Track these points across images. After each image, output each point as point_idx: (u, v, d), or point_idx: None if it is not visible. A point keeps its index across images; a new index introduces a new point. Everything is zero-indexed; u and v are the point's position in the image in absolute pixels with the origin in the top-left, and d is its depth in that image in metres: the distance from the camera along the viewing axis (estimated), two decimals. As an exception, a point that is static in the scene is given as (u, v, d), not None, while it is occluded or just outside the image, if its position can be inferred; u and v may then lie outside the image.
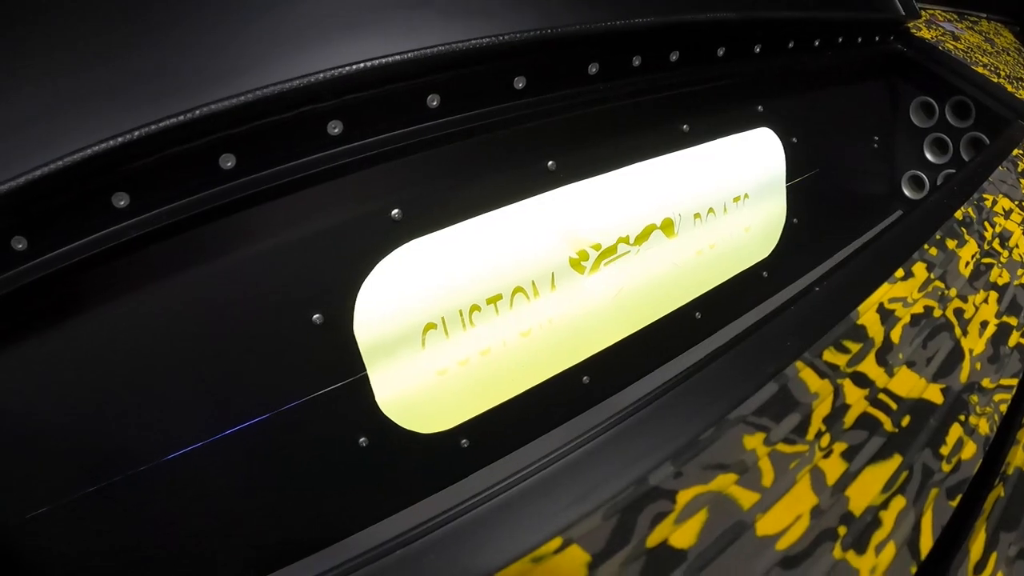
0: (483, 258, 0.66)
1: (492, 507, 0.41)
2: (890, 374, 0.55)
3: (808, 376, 0.52)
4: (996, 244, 0.79)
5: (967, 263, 0.74)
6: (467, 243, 0.65)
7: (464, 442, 0.70)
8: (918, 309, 0.64)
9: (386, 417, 0.64)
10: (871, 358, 0.56)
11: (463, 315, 0.67)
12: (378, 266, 0.61)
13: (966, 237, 0.78)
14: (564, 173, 0.69)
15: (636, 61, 0.71)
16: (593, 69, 0.67)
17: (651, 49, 0.72)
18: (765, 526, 0.40)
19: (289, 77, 0.49)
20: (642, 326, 0.81)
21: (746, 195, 0.91)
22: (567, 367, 0.75)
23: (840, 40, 1.05)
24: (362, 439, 0.63)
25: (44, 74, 0.44)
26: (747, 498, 0.41)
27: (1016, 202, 0.89)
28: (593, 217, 0.73)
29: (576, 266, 0.73)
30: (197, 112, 0.45)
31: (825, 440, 0.47)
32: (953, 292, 0.68)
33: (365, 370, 0.62)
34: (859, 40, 1.10)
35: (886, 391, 0.53)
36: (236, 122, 0.49)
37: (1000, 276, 0.74)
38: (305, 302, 0.58)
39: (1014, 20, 1.79)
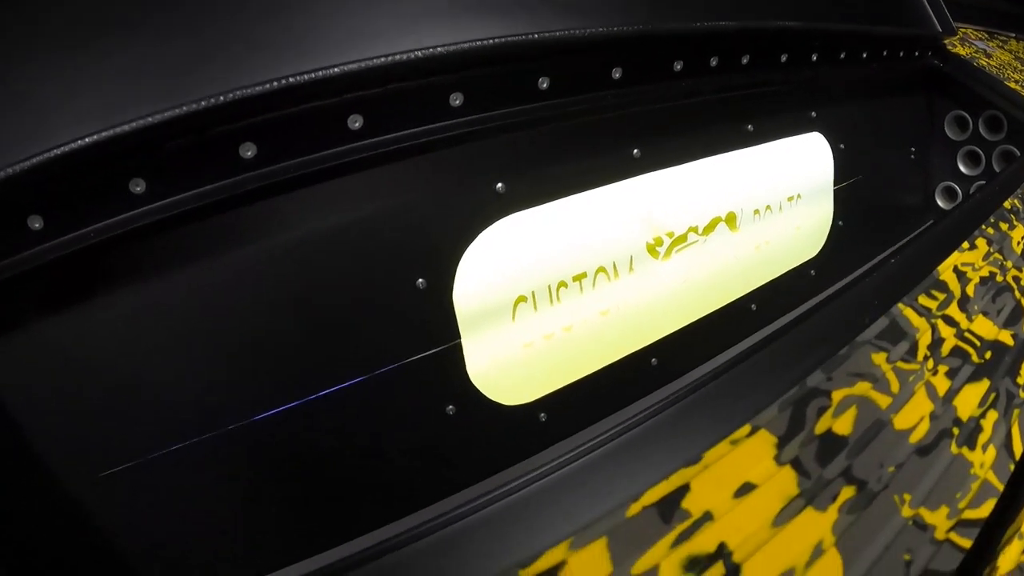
0: (573, 237, 0.71)
1: (578, 466, 0.48)
2: (970, 319, 0.69)
3: (910, 314, 0.66)
4: None
5: (1019, 243, 0.86)
6: (560, 221, 0.70)
7: (543, 416, 0.74)
8: (984, 273, 0.76)
9: (474, 387, 0.68)
10: (954, 306, 0.69)
11: (551, 290, 0.72)
12: (480, 236, 0.65)
13: (1015, 223, 0.89)
14: (647, 161, 0.75)
15: (713, 62, 0.77)
16: (678, 66, 0.73)
17: (727, 51, 0.78)
18: (899, 422, 0.53)
19: (417, 47, 0.53)
20: (704, 314, 0.86)
21: (799, 195, 0.97)
22: (638, 348, 0.80)
23: (884, 53, 1.11)
24: (450, 407, 0.66)
25: (76, 52, 0.45)
26: (883, 400, 0.55)
27: None
28: (669, 206, 0.78)
29: (652, 251, 0.78)
30: (335, 70, 0.50)
31: (931, 363, 0.61)
32: (1010, 264, 0.81)
33: (460, 338, 0.66)
34: (900, 54, 1.16)
35: (969, 331, 0.67)
36: (366, 85, 0.53)
37: None
38: (411, 266, 0.62)
39: (1042, 41, 1.86)
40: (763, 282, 0.93)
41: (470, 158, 0.64)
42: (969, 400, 0.58)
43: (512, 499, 0.46)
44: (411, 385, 0.64)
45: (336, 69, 0.50)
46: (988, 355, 0.65)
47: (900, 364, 0.59)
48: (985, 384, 0.61)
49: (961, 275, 0.74)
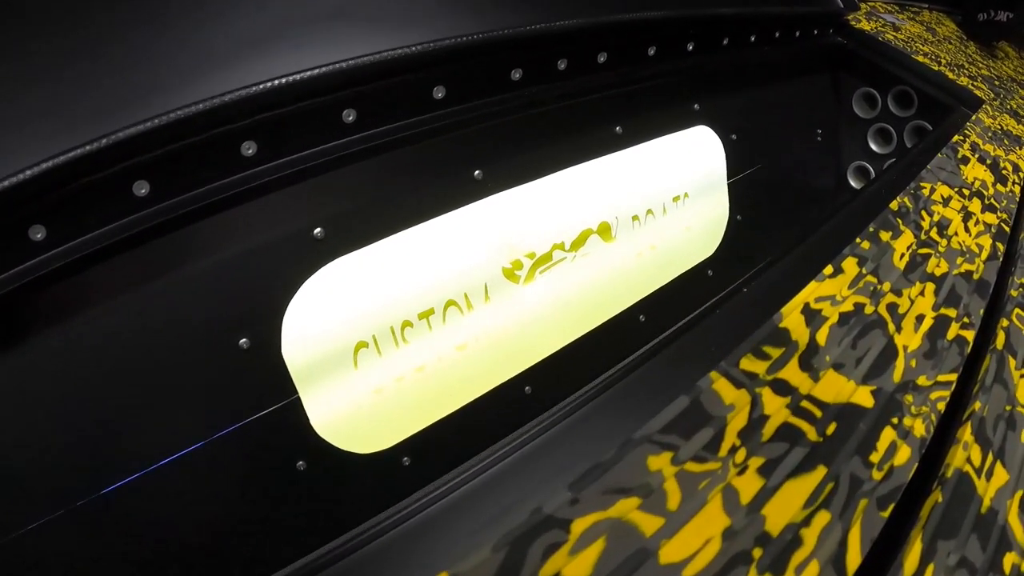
0: (412, 273, 0.66)
1: (374, 549, 0.40)
2: (815, 379, 0.53)
3: (723, 387, 0.49)
4: (934, 233, 0.78)
5: (902, 255, 0.72)
6: (394, 259, 0.65)
7: (406, 460, 0.70)
8: (847, 307, 0.62)
9: (323, 439, 0.64)
10: (794, 363, 0.54)
11: (395, 332, 0.67)
12: (302, 287, 0.60)
13: (901, 228, 0.77)
14: (492, 182, 0.69)
15: (561, 65, 0.72)
16: (516, 75, 0.67)
17: (576, 52, 0.73)
18: (670, 553, 0.38)
19: (200, 98, 0.48)
20: (584, 332, 0.81)
21: (686, 194, 0.92)
22: (508, 378, 0.75)
23: (777, 35, 1.07)
24: (300, 463, 0.63)
25: None
26: (650, 523, 0.40)
27: (955, 189, 0.90)
28: (525, 225, 0.73)
29: (510, 276, 0.73)
30: (105, 140, 0.44)
31: (740, 455, 0.45)
32: (886, 286, 0.67)
33: (297, 393, 0.61)
34: (797, 34, 1.12)
35: (810, 397, 0.51)
36: (148, 147, 0.48)
37: (938, 266, 0.73)
38: (230, 327, 0.58)
39: (955, 9, 1.84)
40: (651, 290, 0.88)
41: (277, 208, 0.58)
42: (787, 503, 0.42)
43: (374, 546, 0.42)
44: (255, 446, 0.60)
45: (105, 140, 0.45)
46: (832, 428, 0.48)
47: (690, 466, 0.43)
48: (818, 474, 0.45)
49: (813, 316, 0.59)
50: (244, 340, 0.58)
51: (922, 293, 0.67)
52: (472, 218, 0.68)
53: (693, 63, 0.91)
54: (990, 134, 1.10)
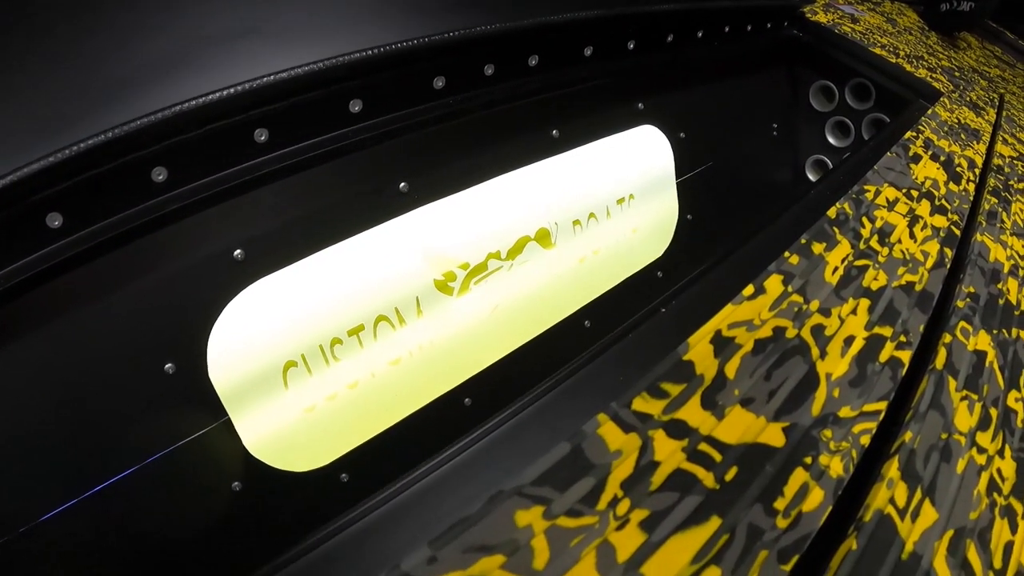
0: (338, 290, 0.66)
1: (310, 563, 0.40)
2: (719, 417, 0.48)
3: (609, 431, 0.45)
4: (874, 242, 0.74)
5: (835, 268, 0.67)
6: (318, 277, 0.64)
7: (344, 476, 0.70)
8: (765, 332, 0.56)
9: (257, 459, 0.64)
10: (695, 401, 0.49)
11: (324, 350, 0.66)
12: (225, 309, 0.60)
13: (838, 237, 0.72)
14: (419, 194, 0.69)
15: (488, 70, 0.71)
16: (439, 83, 0.66)
17: (504, 56, 0.72)
18: None
19: (101, 129, 0.47)
20: (525, 341, 0.81)
21: (631, 196, 0.92)
22: (446, 391, 0.75)
23: (727, 30, 1.05)
24: (235, 484, 0.63)
25: None
26: None
27: (903, 190, 0.87)
28: (457, 236, 0.72)
29: (443, 288, 0.72)
30: (11, 177, 0.43)
31: (622, 508, 0.41)
32: (814, 305, 0.61)
33: (227, 415, 0.61)
34: (749, 28, 1.11)
35: (710, 439, 0.46)
36: (58, 179, 0.47)
37: (875, 279, 0.68)
38: (155, 353, 0.57)
39: (917, 0, 1.83)
40: (596, 295, 0.88)
41: (194, 231, 0.58)
42: (672, 560, 0.38)
43: (311, 560, 0.42)
44: (188, 469, 0.60)
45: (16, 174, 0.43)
46: (731, 474, 0.43)
47: (562, 521, 0.39)
48: (711, 526, 0.40)
49: (724, 345, 0.53)
50: (170, 365, 0.58)
51: (854, 311, 0.62)
52: (399, 232, 0.68)
53: (635, 62, 0.90)
54: (946, 128, 1.09)
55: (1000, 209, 0.93)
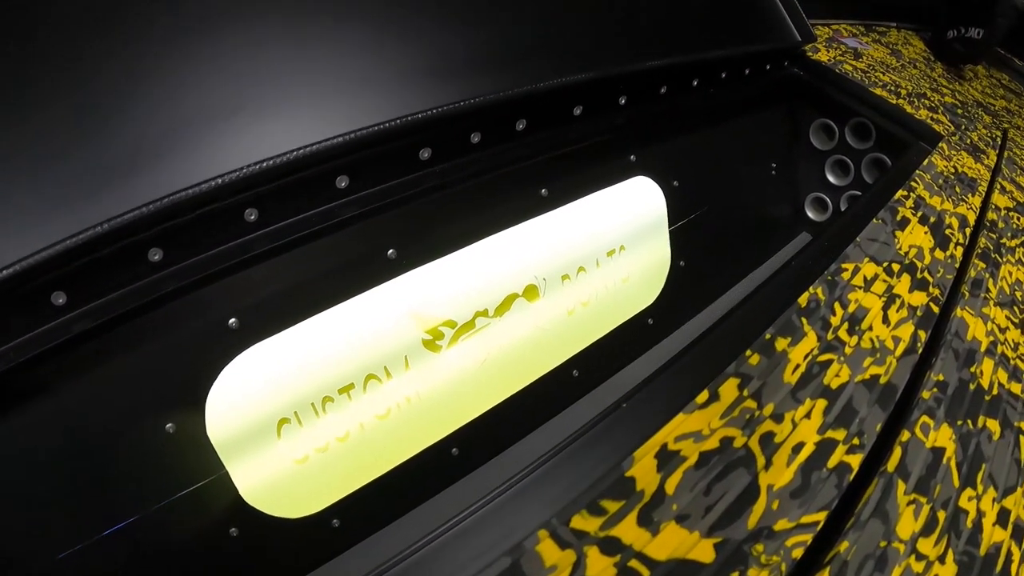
0: (328, 354, 0.69)
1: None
2: (654, 533, 0.49)
3: (547, 548, 0.46)
4: (843, 332, 0.72)
5: (796, 366, 0.66)
6: (309, 342, 0.68)
7: (335, 522, 0.74)
8: (712, 444, 0.56)
9: (252, 507, 0.68)
10: (632, 518, 0.49)
11: (315, 407, 0.70)
12: (222, 374, 0.64)
13: (806, 329, 0.70)
14: (406, 260, 0.72)
15: (475, 138, 0.73)
16: (425, 155, 0.69)
17: (490, 124, 0.74)
18: None
19: (100, 219, 0.51)
20: (513, 392, 0.84)
21: (622, 247, 0.94)
22: (434, 441, 0.78)
23: (724, 76, 1.07)
24: (232, 530, 0.67)
25: None
26: None
27: (884, 265, 0.85)
28: (444, 297, 0.76)
29: (431, 346, 0.76)
30: (18, 267, 0.48)
31: None
32: (767, 410, 0.60)
33: (225, 468, 0.66)
34: (747, 72, 1.13)
35: (641, 556, 0.47)
36: (65, 263, 0.51)
37: (837, 375, 0.67)
38: (157, 415, 0.62)
39: (924, 27, 1.82)
40: (584, 345, 0.91)
41: (191, 305, 0.62)
42: None
43: None
44: (189, 516, 0.65)
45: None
46: None
47: None
48: None
49: (668, 459, 0.53)
50: (170, 425, 0.62)
51: (808, 415, 0.61)
52: (387, 296, 0.71)
53: (627, 116, 0.92)
54: (941, 181, 1.09)
55: (987, 275, 0.93)
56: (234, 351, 0.65)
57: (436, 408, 0.78)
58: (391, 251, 0.71)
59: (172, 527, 0.64)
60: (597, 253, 0.92)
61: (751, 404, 0.61)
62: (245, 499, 0.67)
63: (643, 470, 0.53)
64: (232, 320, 0.64)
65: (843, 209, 1.28)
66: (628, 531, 0.49)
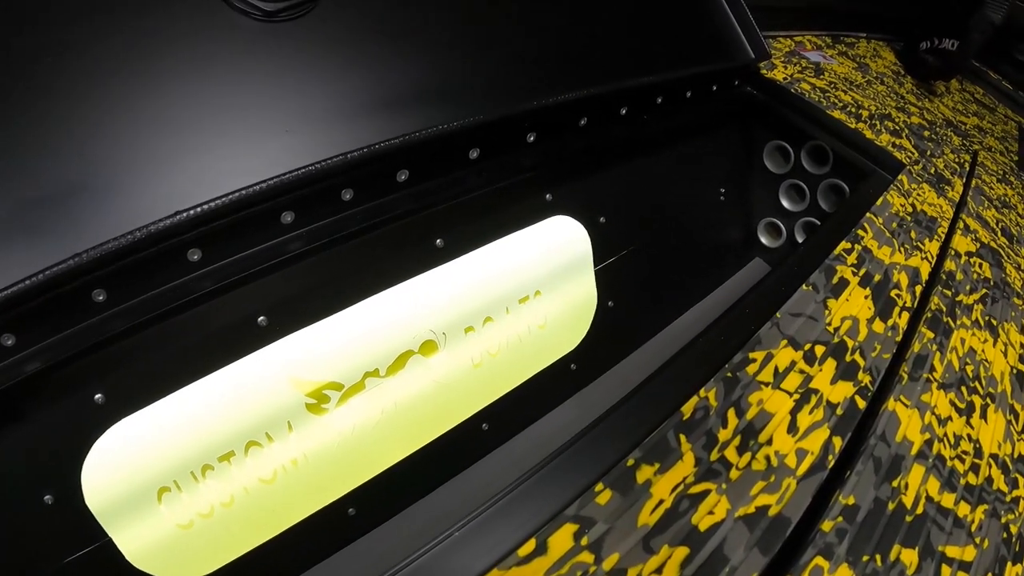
0: (203, 423, 0.70)
1: None
2: None
3: None
4: (730, 452, 0.60)
5: (659, 503, 0.54)
6: (181, 412, 0.68)
7: None
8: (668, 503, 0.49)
9: (140, 571, 0.68)
10: None
11: (195, 475, 0.71)
12: (94, 446, 0.65)
13: (682, 450, 0.59)
14: (280, 325, 0.72)
15: (347, 195, 0.70)
16: (288, 218, 0.67)
17: (363, 179, 0.70)
18: None
19: None
20: (415, 449, 0.83)
21: (537, 292, 0.92)
22: (327, 502, 0.78)
23: (659, 101, 1.02)
24: None
25: None
26: None
27: (802, 351, 0.73)
28: (327, 360, 0.75)
29: (316, 410, 0.75)
30: None
31: None
32: (608, 563, 0.50)
33: (108, 535, 0.66)
34: (688, 95, 1.07)
35: None
36: None
37: (712, 511, 0.56)
38: (34, 486, 0.63)
39: (895, 38, 1.73)
40: (495, 397, 0.89)
41: (52, 384, 0.62)
42: None
43: None
44: None
45: None
46: None
47: None
48: None
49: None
50: (48, 496, 0.63)
51: (659, 570, 0.50)
52: (261, 364, 0.71)
53: (539, 153, 0.88)
54: (895, 224, 1.00)
55: (934, 347, 0.81)
56: (103, 425, 0.65)
57: (328, 468, 0.78)
58: (261, 318, 0.71)
59: None
60: (507, 300, 0.90)
61: (587, 557, 0.50)
62: (132, 563, 0.68)
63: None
64: (98, 396, 0.64)
65: (796, 236, 1.23)
66: None
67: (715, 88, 1.14)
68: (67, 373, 0.63)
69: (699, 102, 1.11)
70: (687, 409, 0.62)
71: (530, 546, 0.49)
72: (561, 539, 0.50)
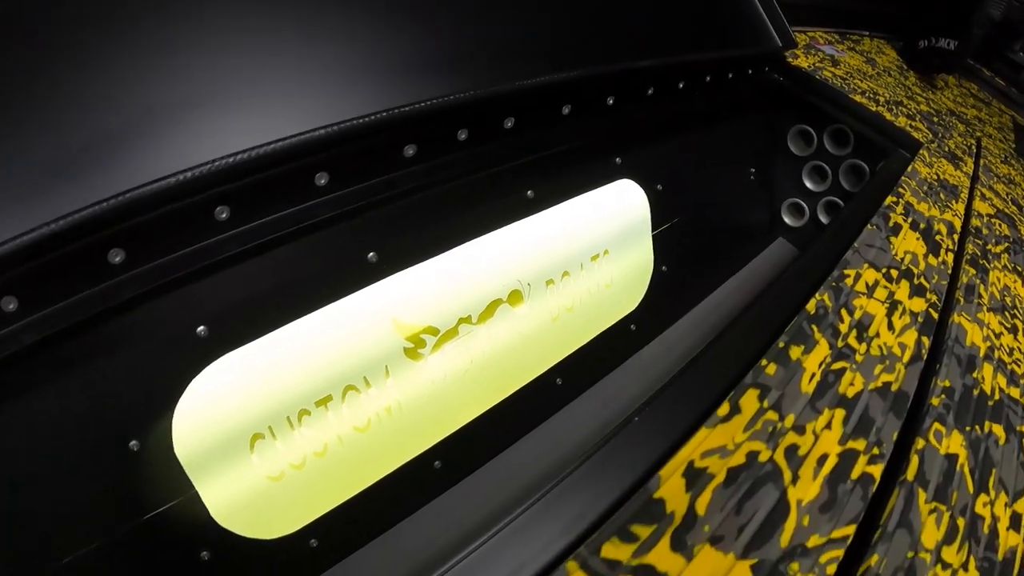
0: (305, 363, 0.66)
1: None
2: (688, 558, 0.47)
3: None
4: (852, 339, 0.73)
5: (812, 375, 0.66)
6: (285, 350, 0.65)
7: (313, 542, 0.71)
8: (739, 459, 0.55)
9: (225, 529, 0.64)
10: (665, 542, 0.48)
11: (291, 421, 0.67)
12: (190, 386, 0.60)
13: (817, 337, 0.70)
14: (387, 264, 0.70)
15: (462, 135, 0.71)
16: (410, 151, 0.67)
17: (477, 121, 0.72)
18: None
19: (60, 214, 0.47)
20: (496, 401, 0.82)
21: (606, 252, 0.93)
22: (416, 454, 0.76)
23: (708, 79, 1.08)
24: (204, 553, 0.63)
25: None
26: None
27: (883, 271, 0.86)
28: (426, 303, 0.73)
29: (412, 355, 0.73)
30: None
31: None
32: (789, 421, 0.60)
33: (194, 487, 0.62)
34: (730, 76, 1.13)
35: None
36: (12, 265, 0.47)
37: (852, 384, 0.67)
38: (120, 431, 0.58)
39: (896, 37, 1.87)
40: (568, 352, 0.90)
41: (156, 310, 0.58)
42: None
43: None
44: (158, 541, 0.61)
45: None
46: None
47: None
48: None
49: (696, 477, 0.52)
50: (135, 443, 0.58)
51: (828, 425, 0.61)
52: (367, 302, 0.69)
53: (614, 117, 0.91)
54: (926, 188, 1.11)
55: (978, 281, 0.95)
56: (203, 361, 0.61)
57: (418, 419, 0.76)
58: (371, 254, 0.69)
59: (138, 553, 0.60)
60: (582, 257, 0.91)
61: (772, 416, 0.60)
62: (217, 520, 0.64)
63: (671, 491, 0.51)
64: (201, 328, 0.60)
65: (819, 216, 1.30)
66: (662, 558, 0.47)
67: (750, 72, 1.20)
68: (173, 300, 0.59)
69: (736, 84, 1.17)
70: (811, 307, 0.74)
71: (725, 408, 0.59)
72: (749, 401, 0.61)
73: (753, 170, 1.28)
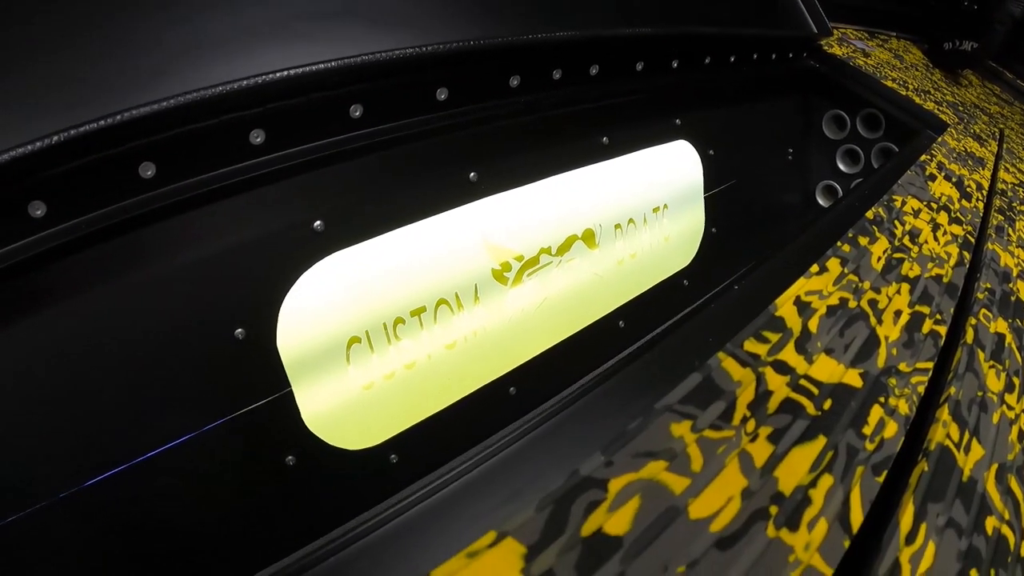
0: (406, 271, 0.70)
1: (424, 508, 0.43)
2: (810, 361, 0.58)
3: (730, 366, 0.55)
4: (906, 240, 0.86)
5: (879, 258, 0.79)
6: (390, 256, 0.68)
7: (393, 457, 0.72)
8: (833, 301, 0.68)
9: (313, 434, 0.66)
10: (791, 347, 0.59)
11: (387, 328, 0.70)
12: (301, 279, 0.63)
13: (877, 235, 0.84)
14: (486, 185, 0.74)
15: (557, 74, 0.77)
16: (515, 82, 0.72)
17: (571, 63, 0.78)
18: (698, 509, 0.43)
19: (212, 84, 0.50)
20: (566, 336, 0.86)
21: (665, 206, 0.98)
22: (493, 378, 0.79)
23: (755, 56, 1.15)
24: (289, 458, 0.65)
25: None
26: (678, 483, 0.44)
27: (924, 202, 1.00)
28: (515, 228, 0.78)
29: (499, 277, 0.77)
30: (117, 118, 0.46)
31: (751, 425, 0.50)
32: (867, 284, 0.73)
33: (290, 386, 0.64)
34: (773, 56, 1.20)
35: (807, 377, 0.56)
36: (157, 129, 0.49)
37: (911, 269, 0.80)
38: (227, 317, 0.60)
39: (921, 38, 1.97)
40: (630, 297, 0.94)
41: (281, 198, 0.61)
42: (795, 467, 0.47)
43: (362, 543, 0.43)
44: (245, 438, 0.62)
45: (118, 117, 0.46)
46: (828, 404, 0.54)
47: (708, 433, 0.48)
48: (820, 443, 0.50)
49: (804, 307, 0.65)
50: (240, 330, 0.60)
51: (898, 292, 0.74)
52: (466, 219, 0.73)
53: (676, 79, 0.98)
54: (955, 155, 1.20)
55: (1007, 225, 1.06)
56: (316, 255, 0.64)
57: (499, 343, 0.79)
58: (473, 173, 0.73)
59: (226, 449, 0.61)
60: (645, 208, 0.96)
61: (853, 278, 0.72)
62: (307, 424, 0.65)
63: (787, 312, 0.64)
64: (318, 222, 0.63)
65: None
66: (791, 357, 0.58)
67: (790, 55, 1.27)
68: (299, 189, 0.62)
69: (778, 64, 1.24)
70: (869, 215, 0.88)
71: (815, 268, 0.72)
72: (834, 265, 0.74)
73: (791, 151, 1.34)
